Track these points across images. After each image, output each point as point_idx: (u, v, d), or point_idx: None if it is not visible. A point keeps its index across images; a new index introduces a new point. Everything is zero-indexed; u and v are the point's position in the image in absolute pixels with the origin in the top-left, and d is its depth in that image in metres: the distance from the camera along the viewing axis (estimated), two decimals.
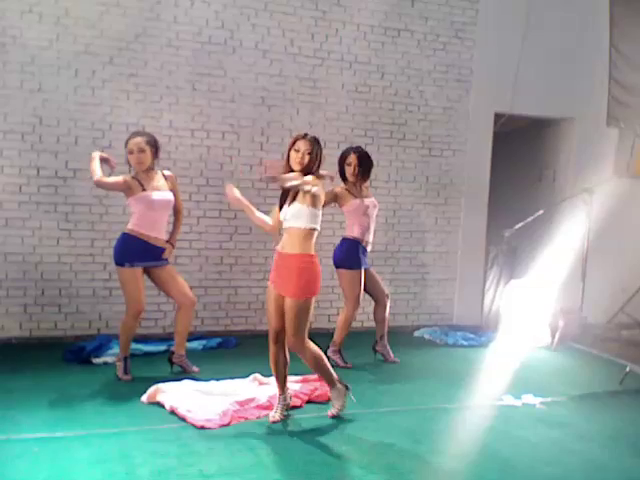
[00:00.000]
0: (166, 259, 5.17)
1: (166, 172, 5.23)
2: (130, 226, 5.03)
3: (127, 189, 4.97)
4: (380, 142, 7.07)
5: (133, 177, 5.01)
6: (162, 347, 5.82)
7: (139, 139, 5.03)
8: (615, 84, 7.28)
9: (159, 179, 5.12)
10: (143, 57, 6.21)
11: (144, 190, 4.97)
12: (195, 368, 5.29)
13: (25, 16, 5.84)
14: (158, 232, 5.08)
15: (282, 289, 4.17)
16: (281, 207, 4.23)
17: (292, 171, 4.14)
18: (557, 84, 7.58)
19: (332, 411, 4.45)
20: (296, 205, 4.13)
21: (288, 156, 4.18)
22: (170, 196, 5.13)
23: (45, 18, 5.89)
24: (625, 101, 7.26)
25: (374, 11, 6.93)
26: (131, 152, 5.01)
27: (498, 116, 7.50)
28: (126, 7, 6.11)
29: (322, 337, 5.47)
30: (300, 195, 4.12)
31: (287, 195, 4.19)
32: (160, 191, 5.06)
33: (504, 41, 7.36)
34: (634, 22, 7.42)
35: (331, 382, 4.41)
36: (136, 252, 4.99)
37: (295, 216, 4.12)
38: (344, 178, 5.64)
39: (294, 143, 4.16)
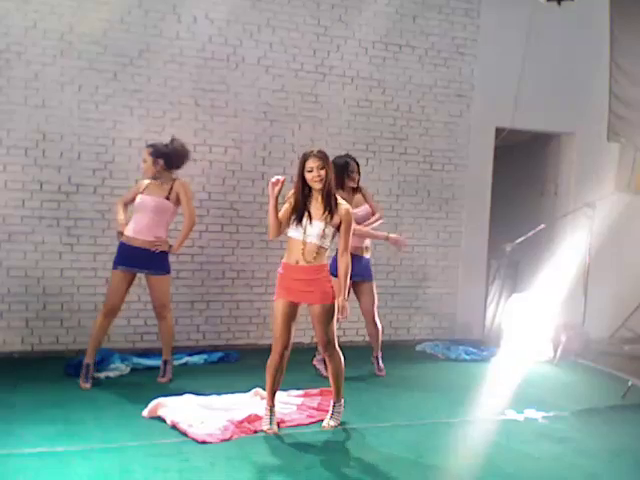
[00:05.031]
0: (153, 270, 5.25)
1: (179, 180, 5.32)
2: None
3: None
4: (382, 156, 7.10)
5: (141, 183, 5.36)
6: None
7: (144, 150, 5.32)
8: (615, 99, 7.31)
9: (162, 186, 5.24)
10: (146, 73, 6.26)
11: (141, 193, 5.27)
12: (160, 379, 5.38)
13: (29, 32, 5.89)
14: (141, 233, 5.17)
15: (304, 298, 4.28)
16: (299, 217, 4.24)
17: (307, 191, 4.23)
18: (558, 99, 7.62)
19: (331, 423, 4.48)
20: (320, 224, 4.22)
21: (302, 177, 4.21)
22: (156, 201, 5.19)
23: (49, 34, 5.94)
24: (625, 116, 7.28)
25: (375, 27, 6.98)
26: (145, 161, 5.29)
27: (499, 131, 7.53)
28: (130, 23, 6.17)
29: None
30: (326, 215, 4.21)
31: (308, 208, 4.24)
32: (150, 195, 5.18)
33: (505, 56, 7.41)
34: (634, 37, 7.45)
35: (340, 394, 4.50)
36: (122, 257, 5.20)
37: (319, 235, 4.23)
38: (343, 187, 5.57)
39: (303, 167, 4.19)
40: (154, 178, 5.27)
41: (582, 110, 7.69)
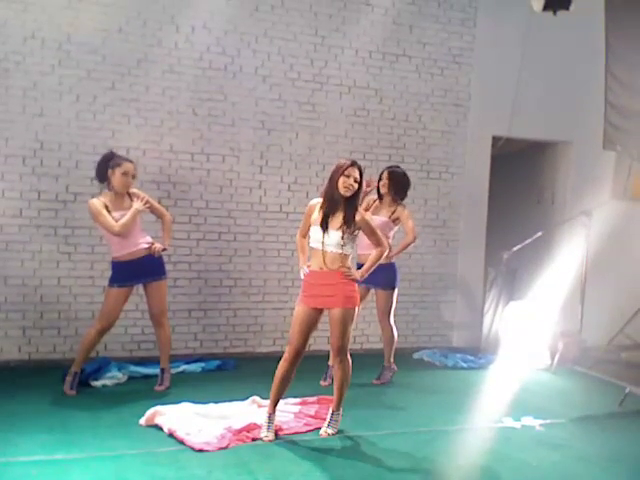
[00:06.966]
0: (153, 276, 5.29)
1: (132, 190, 5.29)
2: (112, 254, 5.26)
3: None
4: (379, 165, 7.09)
5: (102, 200, 5.12)
6: None
7: (132, 165, 5.21)
8: (611, 108, 7.33)
9: (126, 199, 5.22)
10: (145, 82, 6.28)
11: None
12: (158, 387, 5.38)
13: (28, 42, 5.92)
14: (132, 246, 5.18)
15: (326, 303, 4.34)
16: (320, 224, 4.34)
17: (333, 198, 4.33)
18: (555, 108, 7.65)
19: (329, 431, 4.48)
20: (337, 234, 4.29)
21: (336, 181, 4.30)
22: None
23: (47, 43, 5.97)
24: (621, 125, 7.30)
25: (373, 37, 7.02)
26: (126, 174, 5.13)
27: (496, 139, 7.56)
28: (128, 33, 6.20)
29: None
30: (342, 225, 4.29)
31: (329, 217, 4.33)
32: (120, 211, 5.12)
33: (501, 65, 7.45)
34: (629, 47, 7.48)
35: (341, 403, 4.54)
36: (122, 275, 5.19)
37: (338, 244, 4.32)
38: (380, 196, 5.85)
39: (345, 169, 4.29)
40: (117, 193, 5.18)
41: (579, 118, 7.72)
